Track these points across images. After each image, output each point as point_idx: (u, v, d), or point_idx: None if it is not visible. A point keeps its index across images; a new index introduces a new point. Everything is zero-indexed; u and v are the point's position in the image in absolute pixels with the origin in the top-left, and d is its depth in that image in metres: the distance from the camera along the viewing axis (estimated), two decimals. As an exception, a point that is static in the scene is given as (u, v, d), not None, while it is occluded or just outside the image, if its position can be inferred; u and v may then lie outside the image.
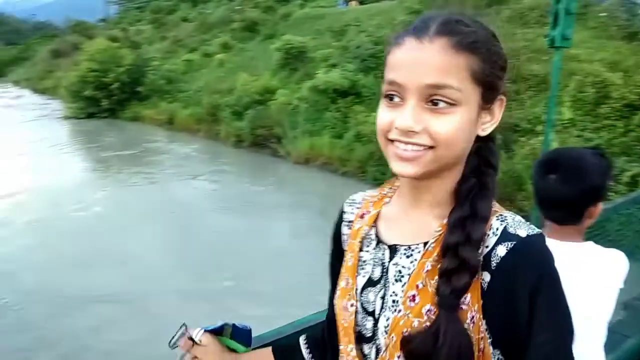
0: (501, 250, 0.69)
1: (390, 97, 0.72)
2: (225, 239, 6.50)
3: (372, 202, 0.89)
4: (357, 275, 0.83)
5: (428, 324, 0.71)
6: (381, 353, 0.76)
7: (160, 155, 12.20)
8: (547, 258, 0.71)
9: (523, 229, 0.71)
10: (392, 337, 0.74)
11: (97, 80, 18.11)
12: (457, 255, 0.70)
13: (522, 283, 0.68)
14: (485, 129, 0.75)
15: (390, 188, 0.89)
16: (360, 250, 0.84)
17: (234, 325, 0.96)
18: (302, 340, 1.02)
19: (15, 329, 4.39)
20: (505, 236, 0.71)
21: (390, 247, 0.80)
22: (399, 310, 0.74)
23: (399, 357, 0.74)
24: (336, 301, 0.86)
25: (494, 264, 0.69)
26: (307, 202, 8.87)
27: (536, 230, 0.72)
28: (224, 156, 12.00)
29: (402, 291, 0.75)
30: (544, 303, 0.68)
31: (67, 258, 5.94)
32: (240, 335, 0.97)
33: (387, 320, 0.76)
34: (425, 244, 0.76)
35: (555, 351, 0.69)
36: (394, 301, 0.76)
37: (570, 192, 1.24)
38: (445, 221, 0.75)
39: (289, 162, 11.22)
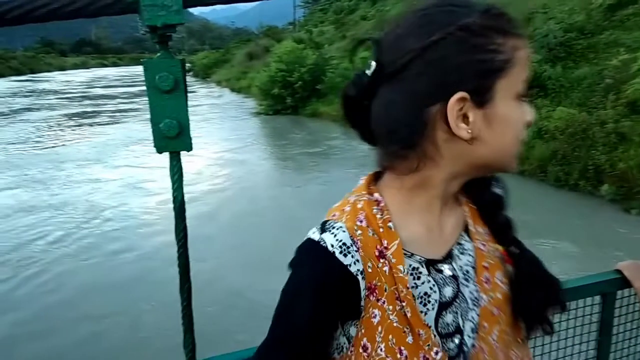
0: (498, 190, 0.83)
1: (523, 96, 0.70)
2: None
3: (372, 233, 0.70)
4: (425, 314, 0.70)
5: (504, 287, 0.77)
6: (472, 350, 0.73)
7: (343, 153, 12.54)
8: None
9: None
10: (484, 325, 0.74)
11: (284, 80, 19.76)
12: (501, 207, 0.81)
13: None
14: None
15: (378, 208, 0.72)
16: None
17: None
18: None
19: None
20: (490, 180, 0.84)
21: (447, 257, 0.74)
22: (483, 300, 0.74)
23: (495, 338, 0.75)
24: None
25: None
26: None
27: None
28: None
29: (475, 283, 0.74)
30: None
31: (264, 259, 5.96)
32: None
33: (473, 320, 0.73)
34: (466, 230, 0.77)
35: None
36: (472, 299, 0.74)
37: None
38: (462, 200, 0.80)
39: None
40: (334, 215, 0.72)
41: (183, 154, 0.89)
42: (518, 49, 0.66)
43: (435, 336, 0.70)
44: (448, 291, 0.72)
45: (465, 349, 0.72)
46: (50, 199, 9.12)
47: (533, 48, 11.58)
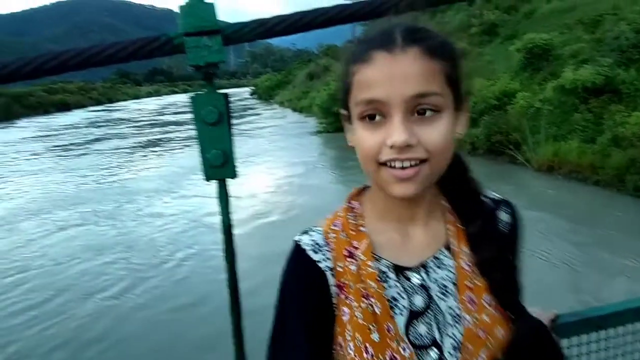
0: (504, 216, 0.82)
1: (369, 117, 0.69)
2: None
3: (344, 236, 0.78)
4: (392, 317, 0.73)
5: (495, 312, 0.75)
6: None
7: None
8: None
9: (499, 196, 0.84)
10: (468, 346, 0.73)
11: (344, 97, 19.89)
12: (490, 243, 0.77)
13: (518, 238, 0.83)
14: (460, 131, 0.75)
15: (353, 215, 0.81)
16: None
17: None
18: None
19: None
20: (498, 204, 0.82)
21: (420, 267, 0.76)
22: (466, 320, 0.74)
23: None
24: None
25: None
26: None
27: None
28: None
29: (457, 300, 0.74)
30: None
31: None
32: None
33: (454, 337, 0.73)
34: (447, 247, 0.78)
35: None
36: (453, 316, 0.74)
37: None
38: (449, 218, 0.80)
39: (529, 171, 10.45)
40: (320, 223, 0.82)
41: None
42: (355, 74, 0.71)
43: (403, 336, 0.72)
44: (418, 300, 0.74)
45: None
46: (118, 237, 8.45)
47: (603, 51, 11.02)
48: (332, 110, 20.20)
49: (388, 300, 0.73)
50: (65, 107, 59.16)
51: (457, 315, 0.74)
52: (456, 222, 0.80)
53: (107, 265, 7.16)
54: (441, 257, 0.77)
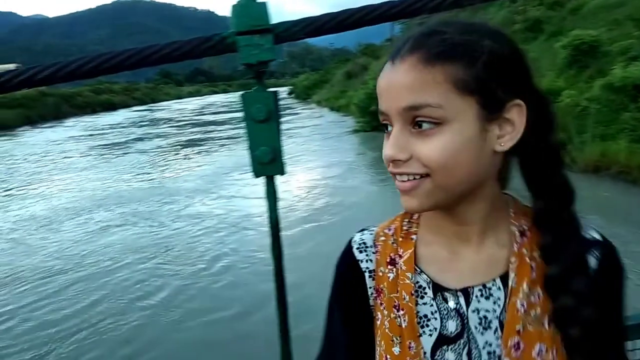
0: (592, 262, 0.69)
1: (385, 127, 0.68)
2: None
3: (392, 243, 0.76)
4: (419, 336, 0.69)
5: None
6: None
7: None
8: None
9: (597, 236, 0.71)
10: None
11: (381, 96, 19.81)
12: (569, 290, 0.65)
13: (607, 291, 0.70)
14: (504, 142, 0.65)
15: (408, 221, 0.78)
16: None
17: None
18: None
19: None
20: (591, 246, 0.69)
21: (461, 291, 0.70)
22: None
23: None
24: None
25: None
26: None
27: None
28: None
29: (499, 338, 0.67)
30: None
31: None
32: None
33: None
34: (503, 278, 0.69)
35: None
36: (489, 353, 0.67)
37: None
38: (514, 249, 0.69)
39: (574, 171, 10.11)
40: (379, 224, 0.82)
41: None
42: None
43: (425, 353, 0.69)
44: (451, 325, 0.69)
45: None
46: (159, 240, 8.25)
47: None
48: (370, 109, 20.14)
49: (419, 317, 0.70)
50: (111, 106, 61.18)
51: (495, 354, 0.67)
52: (526, 255, 0.69)
53: (149, 269, 6.97)
54: (492, 287, 0.69)
